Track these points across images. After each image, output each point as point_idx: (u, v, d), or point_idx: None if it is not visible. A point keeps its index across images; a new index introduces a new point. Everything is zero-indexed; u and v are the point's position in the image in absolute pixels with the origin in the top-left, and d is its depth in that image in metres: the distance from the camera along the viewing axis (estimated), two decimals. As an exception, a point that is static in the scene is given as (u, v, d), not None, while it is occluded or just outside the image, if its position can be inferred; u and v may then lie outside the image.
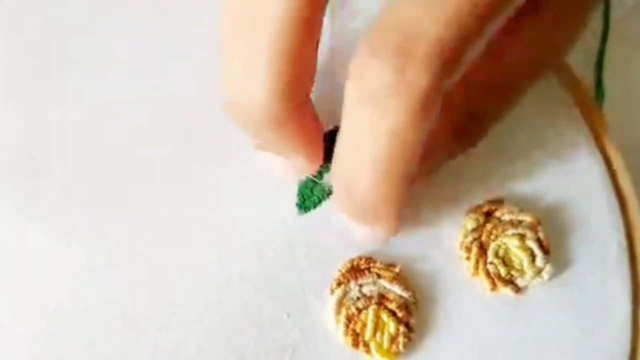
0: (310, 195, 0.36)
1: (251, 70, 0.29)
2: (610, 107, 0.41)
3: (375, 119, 0.27)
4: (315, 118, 0.33)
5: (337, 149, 0.30)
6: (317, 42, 0.30)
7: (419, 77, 0.26)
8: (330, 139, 0.35)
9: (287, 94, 0.29)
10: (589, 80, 0.40)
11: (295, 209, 0.36)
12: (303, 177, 0.36)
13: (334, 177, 0.31)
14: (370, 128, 0.28)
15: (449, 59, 0.27)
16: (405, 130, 0.27)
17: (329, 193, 0.36)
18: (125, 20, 0.39)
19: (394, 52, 0.26)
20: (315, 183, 0.36)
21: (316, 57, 0.31)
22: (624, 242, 0.37)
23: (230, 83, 0.30)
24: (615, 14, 0.42)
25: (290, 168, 0.34)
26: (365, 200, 0.30)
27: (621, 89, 0.41)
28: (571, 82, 0.39)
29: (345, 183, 0.30)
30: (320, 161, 0.34)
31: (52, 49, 0.39)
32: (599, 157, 0.38)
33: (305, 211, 0.36)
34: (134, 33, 0.39)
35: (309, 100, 0.32)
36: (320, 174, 0.36)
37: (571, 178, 0.37)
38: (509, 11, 0.28)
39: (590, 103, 0.39)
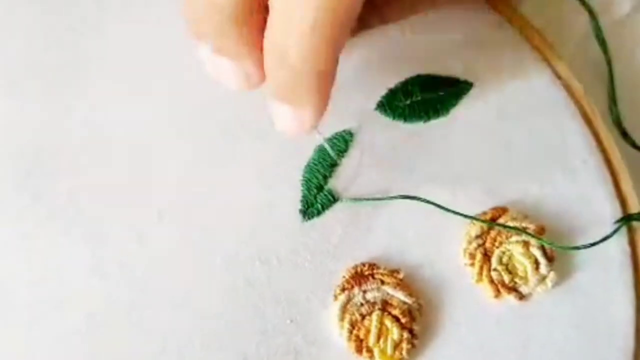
0: (314, 203, 0.37)
1: None
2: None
3: None
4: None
5: (270, 18, 0.31)
6: None
7: None
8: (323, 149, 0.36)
9: None
10: (595, 96, 0.40)
11: (299, 218, 0.36)
12: (308, 181, 0.36)
13: (266, 47, 0.31)
14: None
15: None
16: None
17: (333, 201, 0.36)
18: (134, 24, 0.40)
19: None
20: (319, 187, 0.36)
21: None
22: (627, 248, 0.37)
23: None
24: (614, 16, 0.42)
25: (240, 74, 0.34)
26: (298, 68, 0.31)
27: (620, 93, 0.41)
28: (573, 91, 0.39)
29: (278, 51, 0.31)
30: None
31: (59, 52, 0.39)
32: (602, 165, 0.38)
33: (309, 218, 0.36)
34: (139, 37, 0.39)
35: (267, 8, 0.32)
36: (324, 178, 0.36)
37: (575, 186, 0.38)
38: None
39: (590, 110, 0.39)
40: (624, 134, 0.40)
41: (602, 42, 0.40)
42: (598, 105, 0.39)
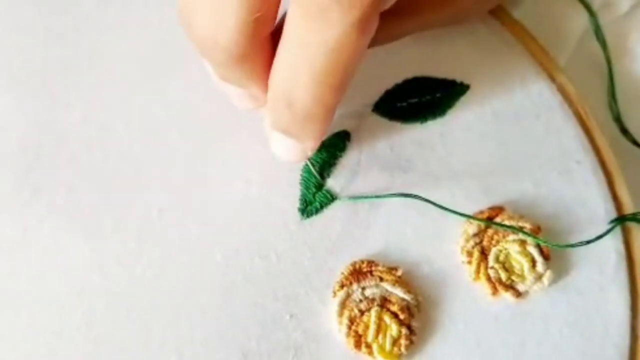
0: (313, 201, 0.37)
1: (220, 7, 0.31)
2: (607, 113, 0.41)
3: (317, 31, 0.29)
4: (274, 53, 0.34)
5: (277, 62, 0.32)
6: None
7: None
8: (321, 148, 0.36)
9: (252, 30, 0.31)
10: (596, 94, 0.41)
11: (298, 213, 0.37)
12: (307, 180, 0.37)
13: (272, 90, 0.32)
14: (312, 40, 0.30)
15: None
16: (345, 42, 0.30)
17: (331, 199, 0.37)
18: (134, 23, 0.40)
19: None
20: (318, 186, 0.37)
21: None
22: (622, 249, 0.37)
23: (200, 17, 0.32)
24: (613, 14, 0.43)
25: (246, 96, 0.35)
26: (302, 109, 0.32)
27: (618, 93, 0.42)
28: (567, 94, 0.40)
29: (283, 96, 0.32)
30: None
31: (60, 50, 0.40)
32: (597, 167, 0.39)
33: (308, 216, 0.37)
34: (142, 35, 0.40)
35: (269, 37, 0.33)
36: (322, 176, 0.37)
37: (571, 186, 0.38)
38: None
39: (584, 113, 0.40)
40: (624, 131, 0.40)
41: (602, 40, 0.41)
42: (596, 103, 0.40)
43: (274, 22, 0.32)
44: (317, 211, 0.37)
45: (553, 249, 0.36)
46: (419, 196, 0.36)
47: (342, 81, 0.31)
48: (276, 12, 0.31)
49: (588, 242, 0.36)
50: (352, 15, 0.29)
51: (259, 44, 0.32)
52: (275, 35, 0.32)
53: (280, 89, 0.32)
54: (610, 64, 0.41)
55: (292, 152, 0.35)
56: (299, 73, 0.31)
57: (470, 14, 0.40)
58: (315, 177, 0.37)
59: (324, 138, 0.35)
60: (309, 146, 0.35)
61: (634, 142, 0.40)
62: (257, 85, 0.33)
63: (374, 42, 0.36)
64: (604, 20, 0.43)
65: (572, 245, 0.36)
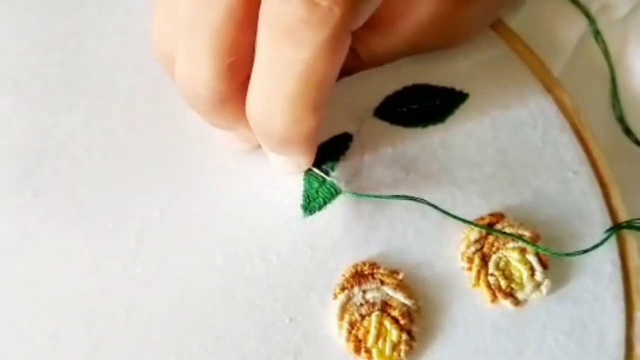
0: (316, 197, 0.36)
1: (194, 57, 0.30)
2: (607, 115, 0.42)
3: (287, 52, 0.29)
4: None
5: (251, 88, 0.31)
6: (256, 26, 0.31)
7: (331, 11, 0.28)
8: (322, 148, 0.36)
9: (229, 75, 0.31)
10: (595, 98, 0.41)
11: (300, 213, 0.36)
12: (310, 176, 0.37)
13: (249, 116, 0.32)
14: (282, 62, 0.29)
15: None
16: (318, 63, 0.29)
17: (335, 194, 0.36)
18: (136, 28, 0.40)
19: None
20: (321, 181, 0.36)
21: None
22: (617, 260, 0.38)
23: (178, 68, 0.31)
24: (612, 18, 0.44)
25: (238, 139, 0.35)
26: (282, 134, 0.31)
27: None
28: (564, 104, 0.40)
29: (262, 120, 0.31)
30: None
31: (62, 54, 0.39)
32: (593, 177, 0.39)
33: (311, 213, 0.36)
34: (143, 39, 0.39)
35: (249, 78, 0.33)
36: (325, 173, 0.36)
37: (568, 196, 0.38)
38: None
39: (580, 124, 0.40)
40: (627, 131, 0.40)
41: (602, 43, 0.42)
42: (596, 106, 0.40)
43: (252, 63, 0.31)
44: (320, 207, 0.36)
45: (551, 258, 0.37)
46: (424, 200, 0.36)
47: (316, 101, 0.30)
48: (252, 52, 0.31)
49: (585, 251, 0.37)
50: (322, 34, 0.28)
51: (238, 87, 0.31)
52: None
53: (257, 114, 0.31)
54: (612, 66, 0.42)
55: (288, 167, 0.35)
56: (272, 97, 0.30)
57: (464, 36, 0.40)
58: (318, 173, 0.37)
59: (314, 153, 0.35)
60: (302, 161, 0.35)
61: (637, 142, 0.40)
62: (245, 126, 0.33)
63: (361, 66, 0.37)
64: (602, 23, 0.43)
65: (570, 254, 0.37)
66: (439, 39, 0.39)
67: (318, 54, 0.29)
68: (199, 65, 0.30)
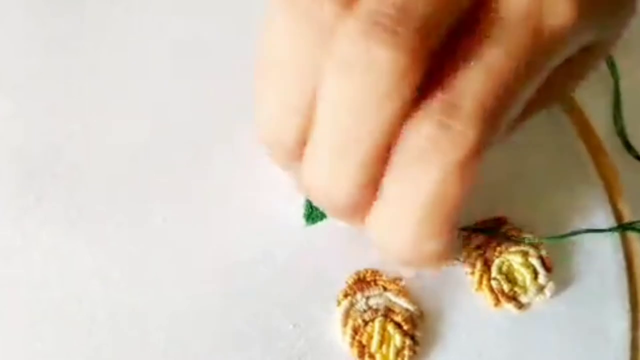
0: (317, 207, 0.37)
1: (339, 167, 0.29)
2: (609, 116, 0.42)
3: (415, 176, 0.27)
4: None
5: (376, 210, 0.29)
6: None
7: (465, 133, 0.26)
8: None
9: (367, 191, 0.29)
10: (600, 107, 0.41)
11: (302, 220, 0.37)
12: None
13: (369, 232, 0.30)
14: (410, 186, 0.28)
15: (494, 113, 0.27)
16: (449, 187, 0.27)
17: None
18: (136, 30, 0.40)
19: (439, 109, 0.26)
20: None
21: None
22: (622, 261, 0.38)
23: (313, 168, 0.30)
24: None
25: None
26: (403, 257, 0.30)
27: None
28: (570, 103, 0.40)
29: (382, 241, 0.30)
30: None
31: (62, 55, 0.39)
32: (598, 178, 0.39)
33: (312, 222, 0.36)
34: (144, 42, 0.39)
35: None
36: None
37: (572, 198, 0.38)
38: (550, 67, 0.28)
39: (587, 123, 0.40)
40: (628, 147, 0.40)
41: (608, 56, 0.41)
42: (601, 116, 0.40)
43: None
44: (322, 217, 0.37)
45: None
46: None
47: (443, 223, 0.28)
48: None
49: (587, 231, 0.37)
50: (454, 157, 0.27)
51: (372, 199, 0.29)
52: None
53: (378, 234, 0.30)
54: (617, 78, 0.41)
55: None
56: (396, 220, 0.29)
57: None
58: None
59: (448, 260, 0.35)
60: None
61: (638, 157, 0.40)
62: (362, 224, 0.31)
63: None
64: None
65: (565, 235, 0.37)
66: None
67: (448, 179, 0.27)
68: (339, 174, 0.28)
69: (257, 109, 0.30)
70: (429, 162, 0.27)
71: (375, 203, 0.29)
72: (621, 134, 0.41)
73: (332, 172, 0.29)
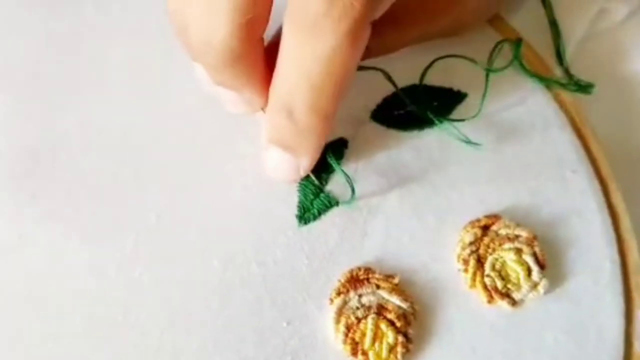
0: (310, 208, 0.37)
1: (213, 10, 0.31)
2: (607, 118, 0.42)
3: (310, 44, 0.31)
4: (264, 57, 0.35)
5: (276, 76, 0.33)
6: None
7: (351, 5, 0.30)
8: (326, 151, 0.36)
9: (245, 32, 0.32)
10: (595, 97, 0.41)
11: (295, 222, 0.37)
12: (304, 187, 0.37)
13: (272, 102, 0.33)
14: (306, 53, 0.31)
15: None
16: (339, 53, 0.31)
17: (329, 206, 0.37)
18: (133, 28, 0.40)
19: None
20: (316, 193, 0.37)
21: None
22: (616, 258, 0.38)
23: (193, 22, 0.32)
24: (608, 23, 0.43)
25: (240, 101, 0.35)
26: (304, 123, 0.33)
27: (616, 99, 0.42)
28: (563, 101, 0.40)
29: (284, 105, 0.33)
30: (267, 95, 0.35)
31: (59, 54, 0.40)
32: (593, 176, 0.39)
33: (305, 223, 0.37)
34: (137, 42, 0.40)
35: (262, 39, 0.34)
36: (320, 183, 0.37)
37: (567, 195, 0.38)
38: None
39: (580, 121, 0.40)
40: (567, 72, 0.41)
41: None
42: (596, 106, 0.40)
43: (266, 23, 0.33)
44: (314, 218, 0.37)
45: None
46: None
47: (338, 90, 0.32)
48: (268, 12, 0.32)
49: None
50: (343, 26, 0.30)
51: (252, 46, 0.32)
52: (272, 48, 0.33)
53: (280, 101, 0.33)
54: (556, 22, 0.42)
55: (287, 169, 0.36)
56: (297, 85, 0.32)
57: (468, 25, 0.40)
58: (313, 184, 0.37)
59: (317, 157, 0.36)
60: (304, 163, 0.35)
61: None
62: (251, 87, 0.34)
63: (370, 53, 0.37)
64: (601, 27, 0.43)
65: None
66: (448, 26, 0.39)
67: (339, 46, 0.31)
68: (217, 19, 0.31)
69: None
70: (322, 32, 0.30)
71: (274, 76, 0.33)
72: (566, 70, 0.41)
73: (209, 15, 0.31)
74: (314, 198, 0.37)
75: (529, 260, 0.36)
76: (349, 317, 0.35)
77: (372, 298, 0.35)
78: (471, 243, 0.37)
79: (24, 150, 0.38)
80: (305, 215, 0.37)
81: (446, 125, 0.39)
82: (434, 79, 0.40)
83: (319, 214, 0.37)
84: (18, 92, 0.39)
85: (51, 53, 0.40)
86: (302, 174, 0.36)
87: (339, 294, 0.36)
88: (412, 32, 0.38)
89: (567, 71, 0.41)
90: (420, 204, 0.37)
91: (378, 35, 0.36)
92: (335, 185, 0.37)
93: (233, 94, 0.35)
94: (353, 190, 0.36)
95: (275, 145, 0.35)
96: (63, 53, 0.40)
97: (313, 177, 0.37)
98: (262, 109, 0.35)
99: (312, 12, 0.30)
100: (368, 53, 0.37)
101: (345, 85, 0.32)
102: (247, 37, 0.32)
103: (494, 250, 0.37)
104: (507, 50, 0.40)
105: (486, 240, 0.37)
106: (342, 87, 0.32)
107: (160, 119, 0.39)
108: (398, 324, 0.35)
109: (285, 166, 0.36)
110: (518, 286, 0.36)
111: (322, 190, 0.37)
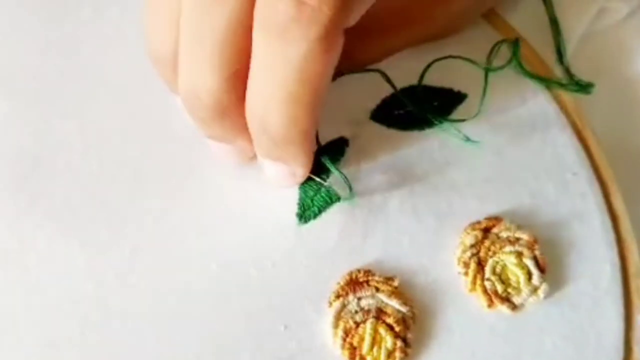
0: (311, 205, 0.36)
1: (197, 66, 0.31)
2: (607, 118, 0.41)
3: (280, 52, 0.29)
4: None
5: (249, 90, 0.31)
6: None
7: (320, 10, 0.29)
8: (320, 153, 0.36)
9: (232, 85, 0.31)
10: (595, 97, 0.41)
11: (295, 221, 0.36)
12: (305, 184, 0.37)
13: (248, 117, 0.32)
14: (277, 62, 0.30)
15: None
16: (311, 59, 0.30)
17: (330, 202, 0.36)
18: (132, 32, 0.40)
19: None
20: (317, 189, 0.36)
21: None
22: (617, 261, 0.37)
23: (180, 77, 0.32)
24: (609, 21, 0.43)
25: (234, 151, 0.36)
26: (280, 134, 0.32)
27: (616, 99, 0.42)
28: (564, 103, 0.40)
29: (258, 121, 0.32)
30: None
31: (58, 58, 0.39)
32: (593, 178, 0.39)
33: (305, 221, 0.36)
34: (136, 46, 0.39)
35: None
36: (321, 180, 0.36)
37: (567, 198, 0.38)
38: None
39: (581, 123, 0.40)
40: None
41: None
42: (596, 106, 0.40)
43: None
44: (315, 216, 0.36)
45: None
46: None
47: (313, 100, 0.31)
48: None
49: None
50: (313, 32, 0.29)
51: (241, 96, 0.32)
52: None
53: (255, 115, 0.32)
54: (556, 19, 0.42)
55: (283, 178, 0.35)
56: (269, 97, 0.31)
57: (459, 27, 0.40)
58: (314, 181, 0.36)
59: (310, 162, 0.35)
60: (298, 171, 0.35)
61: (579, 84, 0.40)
62: (243, 138, 0.33)
63: (355, 64, 0.36)
64: (601, 26, 0.43)
65: None
66: (433, 31, 0.39)
67: (310, 52, 0.29)
68: (203, 72, 0.31)
69: (144, 28, 0.33)
70: (292, 39, 0.29)
71: (247, 89, 0.31)
72: (566, 69, 0.41)
73: (196, 68, 0.31)
74: (315, 194, 0.36)
75: (530, 264, 0.36)
76: (347, 322, 0.35)
77: (371, 301, 0.35)
78: (472, 246, 0.36)
79: (22, 155, 0.37)
80: (306, 213, 0.36)
81: (446, 125, 0.38)
82: (434, 79, 0.39)
83: (320, 211, 0.36)
84: (17, 97, 0.39)
85: (50, 57, 0.39)
86: (299, 180, 0.36)
87: (337, 297, 0.35)
88: (395, 39, 0.38)
89: (567, 70, 0.41)
90: (420, 205, 0.37)
91: (361, 44, 0.36)
92: (336, 183, 0.37)
93: (227, 146, 0.35)
94: (350, 188, 0.36)
95: (265, 159, 0.34)
96: (62, 57, 0.39)
97: (313, 177, 0.36)
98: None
99: (281, 17, 0.29)
100: (353, 63, 0.37)
101: (321, 94, 0.31)
102: (236, 88, 0.31)
103: (494, 253, 0.36)
104: (506, 50, 0.40)
105: (487, 243, 0.36)
106: (317, 96, 0.31)
107: (160, 123, 0.38)
108: (397, 329, 0.35)
109: (280, 175, 0.35)
110: (518, 290, 0.36)
111: (323, 185, 0.36)
